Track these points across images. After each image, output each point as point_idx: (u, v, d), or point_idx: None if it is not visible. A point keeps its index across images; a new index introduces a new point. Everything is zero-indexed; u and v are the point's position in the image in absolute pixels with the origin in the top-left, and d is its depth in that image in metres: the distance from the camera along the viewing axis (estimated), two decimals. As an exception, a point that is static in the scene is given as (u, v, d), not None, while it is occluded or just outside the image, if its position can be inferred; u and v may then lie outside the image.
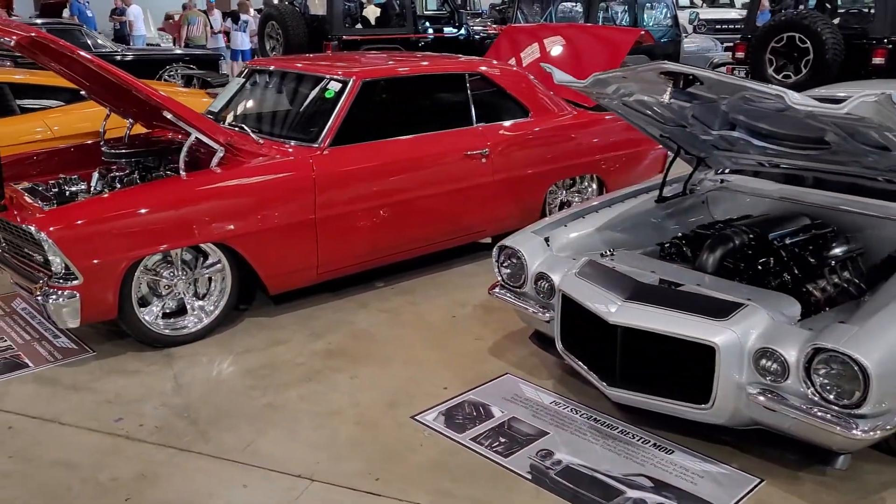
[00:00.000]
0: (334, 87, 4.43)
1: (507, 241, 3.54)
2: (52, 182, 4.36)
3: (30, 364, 3.74)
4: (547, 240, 3.53)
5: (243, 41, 16.09)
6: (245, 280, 4.12)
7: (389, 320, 4.28)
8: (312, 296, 4.53)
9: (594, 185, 5.69)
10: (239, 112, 5.00)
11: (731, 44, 9.30)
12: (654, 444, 3.04)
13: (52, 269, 3.52)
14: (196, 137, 3.97)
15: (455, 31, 11.36)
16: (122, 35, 16.29)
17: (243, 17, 16.07)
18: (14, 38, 3.47)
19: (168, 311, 3.96)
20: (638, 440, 3.08)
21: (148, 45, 16.52)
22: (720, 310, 2.76)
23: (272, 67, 5.09)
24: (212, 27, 15.50)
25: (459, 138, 4.79)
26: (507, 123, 5.07)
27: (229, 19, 16.20)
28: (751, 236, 3.30)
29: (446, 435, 3.14)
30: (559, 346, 3.27)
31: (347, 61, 5.08)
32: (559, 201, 5.55)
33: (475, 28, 12.09)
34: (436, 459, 2.99)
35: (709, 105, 3.29)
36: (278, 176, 4.07)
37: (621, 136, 5.67)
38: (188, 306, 3.98)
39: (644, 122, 3.75)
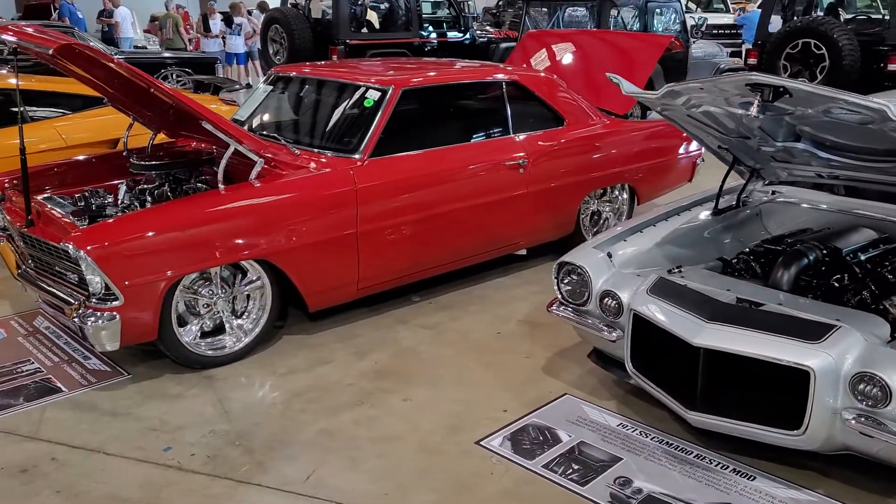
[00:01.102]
0: (373, 95, 4.28)
1: (568, 258, 3.41)
2: (78, 195, 4.18)
3: (63, 388, 3.56)
4: (609, 255, 3.41)
5: (238, 44, 15.85)
6: (283, 297, 3.97)
7: (433, 338, 4.13)
8: (348, 312, 4.37)
9: (625, 195, 5.59)
10: (268, 121, 4.84)
11: (739, 49, 9.23)
12: (734, 470, 2.92)
13: (91, 289, 3.34)
14: (234, 149, 3.80)
15: (460, 35, 11.22)
16: (109, 37, 15.98)
17: (237, 20, 15.83)
18: (52, 47, 3.28)
19: (205, 330, 3.79)
20: (716, 465, 2.95)
21: (135, 47, 16.23)
22: (812, 332, 2.65)
23: (300, 74, 4.93)
24: (209, 30, 15.21)
25: (498, 148, 4.67)
26: (543, 132, 4.94)
27: (223, 22, 15.95)
28: (824, 252, 3.19)
29: (516, 462, 3.00)
30: (629, 366, 3.15)
31: (381, 68, 4.93)
32: (590, 211, 5.43)
33: (477, 32, 11.97)
34: (509, 489, 2.85)
35: (776, 116, 3.19)
36: (320, 189, 3.91)
37: (652, 144, 5.59)
38: (227, 325, 3.82)
39: (703, 133, 3.64)
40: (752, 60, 8.85)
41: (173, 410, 3.38)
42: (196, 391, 3.55)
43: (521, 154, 4.71)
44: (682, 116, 3.44)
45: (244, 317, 3.88)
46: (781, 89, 2.71)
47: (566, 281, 3.44)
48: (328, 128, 4.47)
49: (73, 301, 3.45)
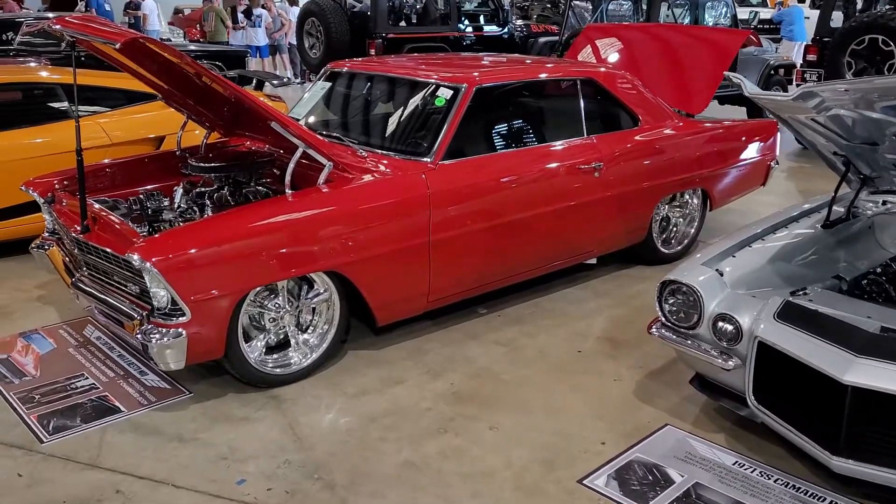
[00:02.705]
0: (445, 93, 3.99)
1: (675, 276, 3.10)
2: (133, 198, 3.93)
3: (121, 408, 3.30)
4: (720, 273, 3.09)
5: (258, 37, 15.57)
6: (350, 310, 3.69)
7: (509, 356, 3.84)
8: (414, 325, 4.09)
9: (696, 200, 5.26)
10: (327, 120, 4.56)
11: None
12: (877, 520, 2.62)
13: (155, 303, 3.08)
14: (303, 151, 3.52)
15: (498, 29, 10.89)
16: (135, 29, 15.77)
17: (256, 11, 15.55)
18: (120, 41, 3.00)
19: (269, 345, 3.52)
20: (855, 514, 2.65)
21: (161, 39, 15.99)
22: (984, 370, 2.33)
23: (361, 70, 4.65)
24: (235, 21, 14.93)
25: (574, 150, 4.36)
26: (618, 133, 4.63)
27: (242, 14, 15.68)
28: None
29: (628, 505, 2.71)
30: (751, 401, 2.84)
31: (450, 65, 4.63)
32: (660, 218, 5.11)
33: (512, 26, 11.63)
34: (626, 538, 2.56)
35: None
36: (392, 194, 3.62)
37: (727, 146, 5.28)
38: (292, 340, 3.54)
39: (821, 139, 3.32)
40: (811, 57, 8.46)
41: (242, 436, 3.11)
42: (263, 413, 3.28)
43: (597, 156, 4.40)
44: (805, 119, 3.12)
45: (309, 331, 3.61)
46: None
47: (671, 301, 3.14)
48: (395, 128, 4.18)
49: (134, 315, 3.19)
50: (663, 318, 3.17)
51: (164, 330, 3.06)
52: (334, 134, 4.18)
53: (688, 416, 3.29)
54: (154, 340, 3.04)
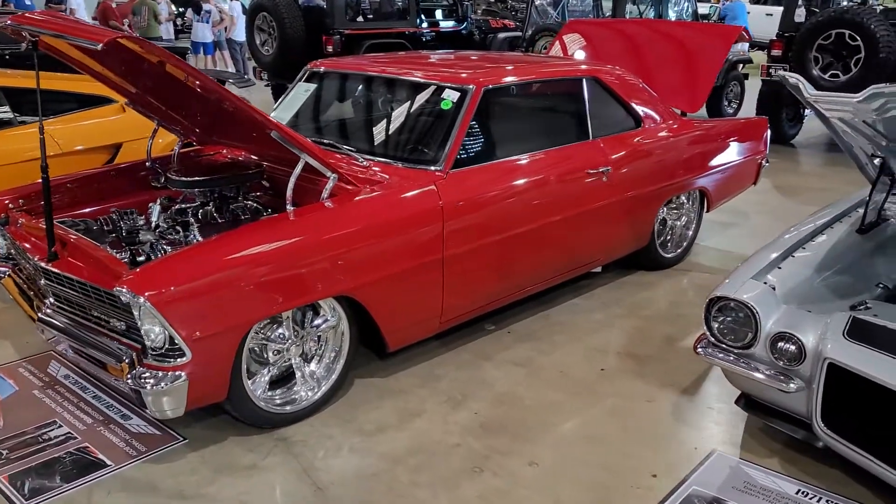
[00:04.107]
0: (451, 96, 3.67)
1: (724, 292, 2.86)
2: (104, 218, 3.49)
3: (107, 461, 2.87)
4: (772, 287, 2.88)
5: (205, 33, 14.92)
6: (360, 337, 3.35)
7: (528, 378, 3.56)
8: (420, 347, 3.77)
9: (690, 203, 5.09)
10: (315, 126, 4.18)
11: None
12: (965, 552, 2.45)
13: (149, 343, 2.67)
14: (306, 162, 3.15)
15: (457, 25, 10.59)
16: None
17: (206, 6, 14.88)
18: (100, 41, 2.56)
19: (271, 380, 3.15)
20: (940, 546, 2.48)
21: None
22: None
23: (350, 70, 4.28)
24: (158, 16, 14.06)
25: (581, 154, 4.10)
26: (622, 135, 4.40)
27: (190, 9, 14.98)
28: None
29: (700, 549, 2.47)
30: (819, 426, 2.63)
31: (450, 64, 4.31)
32: (658, 221, 4.91)
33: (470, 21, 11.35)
34: (708, 589, 2.32)
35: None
36: (403, 208, 3.29)
37: (724, 145, 5.12)
38: (298, 373, 3.18)
39: (863, 141, 3.15)
40: (776, 52, 8.46)
41: (254, 489, 2.74)
42: (273, 459, 2.91)
43: (604, 160, 4.16)
44: (855, 121, 2.93)
45: (314, 362, 3.26)
46: None
47: (720, 319, 2.91)
48: (396, 134, 3.85)
49: (122, 357, 2.76)
50: (713, 338, 2.94)
51: (161, 373, 2.66)
52: (325, 140, 3.82)
53: (734, 438, 3.08)
54: (149, 387, 2.63)
